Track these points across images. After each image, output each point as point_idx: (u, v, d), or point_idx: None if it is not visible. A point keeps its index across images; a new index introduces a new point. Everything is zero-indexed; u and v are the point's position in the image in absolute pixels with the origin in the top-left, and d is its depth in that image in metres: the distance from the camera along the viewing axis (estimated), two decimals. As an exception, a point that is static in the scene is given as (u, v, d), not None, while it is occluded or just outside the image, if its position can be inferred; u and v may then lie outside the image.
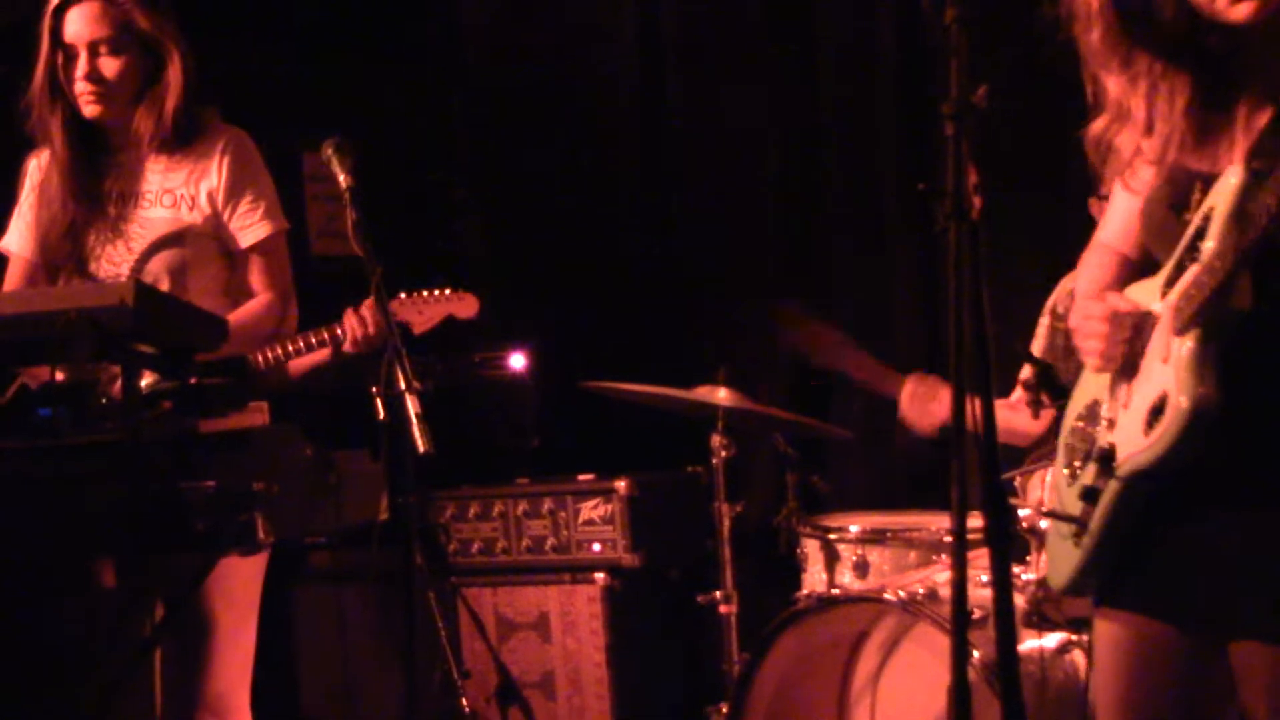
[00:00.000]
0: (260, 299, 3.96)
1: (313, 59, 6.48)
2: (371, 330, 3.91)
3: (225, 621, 3.65)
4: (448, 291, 4.38)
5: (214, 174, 3.90)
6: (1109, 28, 2.60)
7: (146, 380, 3.07)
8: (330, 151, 3.83)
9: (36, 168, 3.96)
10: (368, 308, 3.91)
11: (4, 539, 2.98)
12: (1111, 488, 2.60)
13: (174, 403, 3.05)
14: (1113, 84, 2.64)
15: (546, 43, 6.57)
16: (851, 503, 5.35)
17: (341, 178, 3.78)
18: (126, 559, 3.06)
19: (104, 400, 3.07)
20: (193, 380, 3.07)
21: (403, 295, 4.31)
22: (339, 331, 3.95)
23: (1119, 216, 2.83)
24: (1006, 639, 2.20)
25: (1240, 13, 2.49)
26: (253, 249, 3.95)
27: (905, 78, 5.67)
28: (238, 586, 3.65)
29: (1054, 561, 2.83)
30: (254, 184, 3.94)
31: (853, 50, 5.90)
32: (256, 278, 3.97)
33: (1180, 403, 2.46)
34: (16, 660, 3.15)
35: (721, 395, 4.67)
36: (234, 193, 3.91)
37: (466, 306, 4.41)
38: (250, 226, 3.94)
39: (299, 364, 4.09)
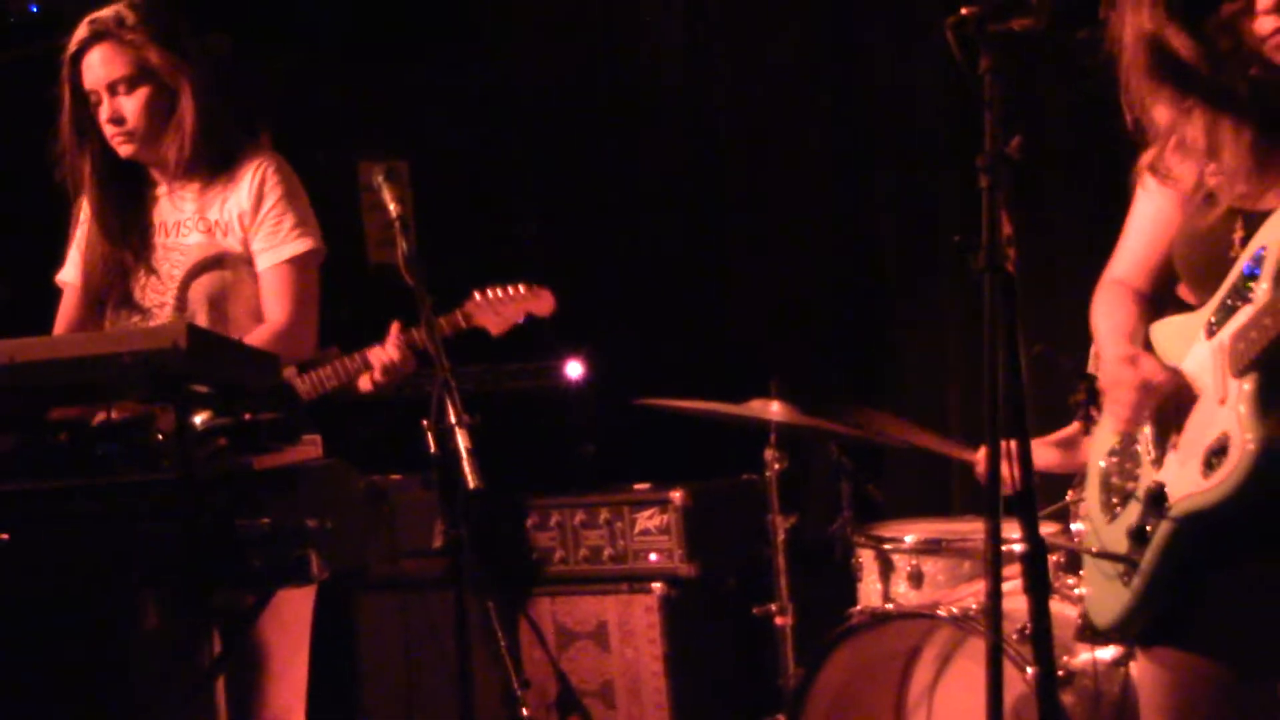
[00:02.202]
0: (268, 326, 3.89)
1: (366, 67, 6.52)
2: (398, 358, 3.92)
3: (278, 648, 3.69)
4: (522, 289, 4.25)
5: (244, 197, 3.89)
6: (1160, 58, 2.58)
7: (201, 417, 3.10)
8: (380, 179, 3.77)
9: (87, 204, 4.00)
10: (394, 340, 3.91)
11: (62, 576, 3.03)
12: (1163, 529, 2.59)
13: (228, 439, 3.08)
14: (1161, 114, 2.63)
15: (600, 51, 6.58)
16: (908, 509, 5.36)
17: (391, 206, 3.71)
18: (182, 595, 3.10)
19: (160, 438, 3.10)
20: (246, 416, 3.11)
21: (476, 296, 4.19)
22: (369, 359, 3.94)
23: (1132, 250, 2.81)
24: (1048, 694, 2.21)
25: None
26: (271, 269, 3.89)
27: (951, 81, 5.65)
28: (289, 614, 3.69)
29: (1098, 599, 2.81)
30: (279, 205, 3.90)
31: (899, 36, 5.89)
32: (270, 300, 3.90)
33: (1246, 444, 2.46)
34: (76, 697, 3.20)
35: (774, 409, 4.68)
36: (259, 213, 3.88)
37: (543, 303, 4.30)
38: (270, 248, 3.89)
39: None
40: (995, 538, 2.12)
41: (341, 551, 3.07)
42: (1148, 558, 2.63)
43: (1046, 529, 4.06)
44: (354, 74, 6.51)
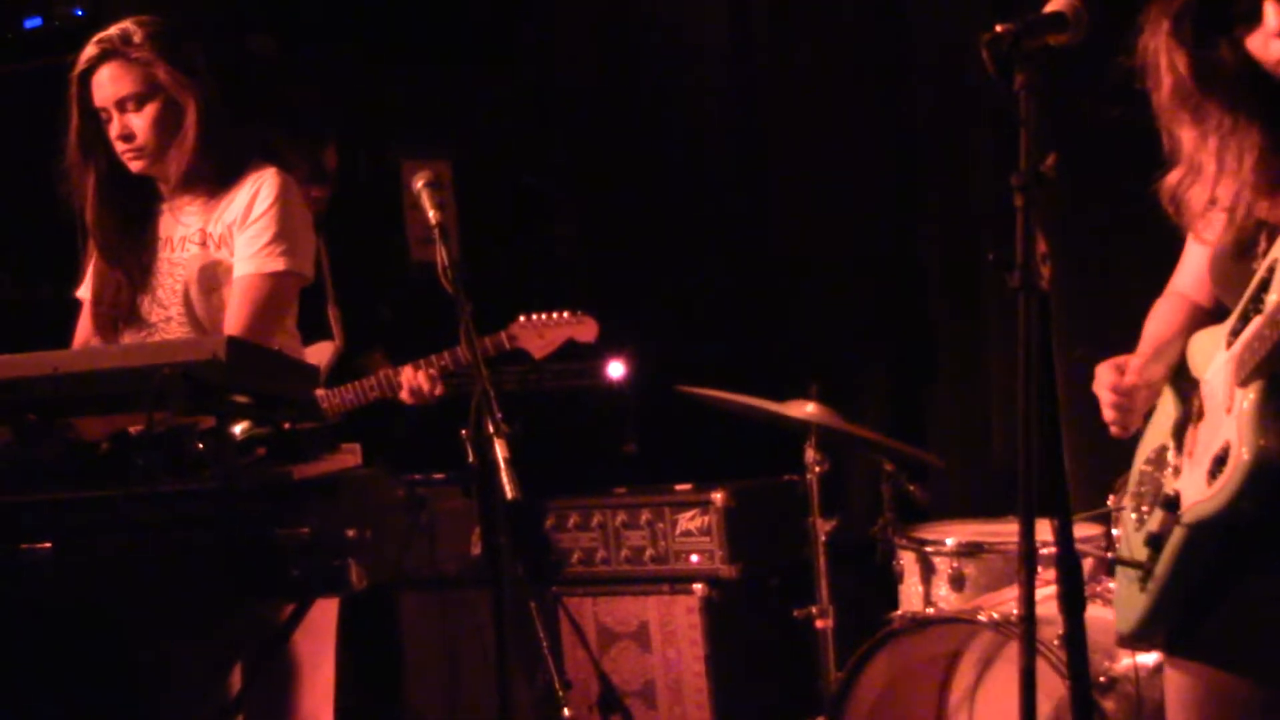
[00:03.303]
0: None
1: (411, 68, 6.54)
2: (426, 388, 3.92)
3: (305, 651, 3.70)
4: (566, 314, 4.38)
5: (238, 208, 3.83)
6: (1179, 82, 2.60)
7: (241, 426, 3.11)
8: (421, 185, 3.76)
9: (88, 221, 3.96)
10: (427, 371, 3.91)
11: (102, 585, 3.05)
12: (1176, 535, 2.61)
13: (268, 449, 3.09)
14: (1185, 137, 2.64)
15: (641, 52, 6.58)
16: (951, 508, 5.34)
17: (431, 213, 3.69)
18: (221, 605, 3.12)
19: (200, 447, 3.10)
20: (286, 426, 3.12)
21: (521, 319, 4.28)
22: (401, 379, 3.96)
23: (1192, 265, 2.83)
24: (1083, 706, 2.20)
25: None
26: (241, 278, 3.79)
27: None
28: (316, 618, 3.66)
29: (1122, 606, 2.83)
30: (265, 218, 3.80)
31: (950, 51, 5.87)
32: (230, 309, 3.80)
33: (1242, 455, 2.48)
34: (113, 705, 3.22)
35: (810, 410, 4.68)
36: (245, 221, 3.82)
37: (586, 330, 4.46)
38: (245, 258, 3.80)
39: None
40: (1030, 559, 2.11)
41: (380, 561, 3.07)
42: (1161, 565, 2.65)
43: (1087, 531, 4.08)
44: (397, 73, 6.53)
